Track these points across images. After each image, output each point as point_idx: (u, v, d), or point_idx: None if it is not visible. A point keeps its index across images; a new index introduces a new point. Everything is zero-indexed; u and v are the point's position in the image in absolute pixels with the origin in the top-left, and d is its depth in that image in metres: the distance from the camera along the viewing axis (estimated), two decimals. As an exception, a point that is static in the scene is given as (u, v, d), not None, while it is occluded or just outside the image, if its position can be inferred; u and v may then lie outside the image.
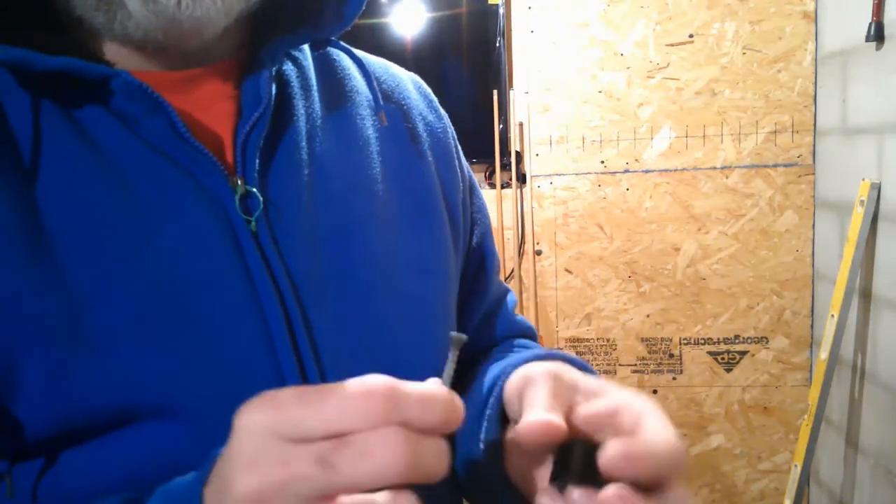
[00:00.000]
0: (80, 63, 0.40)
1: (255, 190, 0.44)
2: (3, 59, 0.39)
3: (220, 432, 0.41)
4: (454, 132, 0.61)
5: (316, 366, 0.44)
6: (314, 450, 0.28)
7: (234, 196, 0.43)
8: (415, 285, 0.50)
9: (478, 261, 0.61)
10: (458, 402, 0.30)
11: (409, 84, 0.59)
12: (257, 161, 0.45)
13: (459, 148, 0.62)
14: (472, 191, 0.61)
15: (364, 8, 0.49)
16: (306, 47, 0.53)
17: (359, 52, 0.57)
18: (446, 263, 0.54)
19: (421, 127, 0.57)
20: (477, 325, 0.60)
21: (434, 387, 0.30)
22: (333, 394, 0.28)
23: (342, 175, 0.50)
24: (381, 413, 0.28)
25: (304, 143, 0.49)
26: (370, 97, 0.54)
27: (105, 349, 0.39)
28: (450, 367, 0.32)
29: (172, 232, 0.42)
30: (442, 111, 0.61)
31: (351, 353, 0.46)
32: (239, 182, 0.44)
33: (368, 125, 0.53)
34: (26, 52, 0.39)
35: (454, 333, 0.33)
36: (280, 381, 0.42)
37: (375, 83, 0.54)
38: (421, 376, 0.48)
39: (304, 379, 0.43)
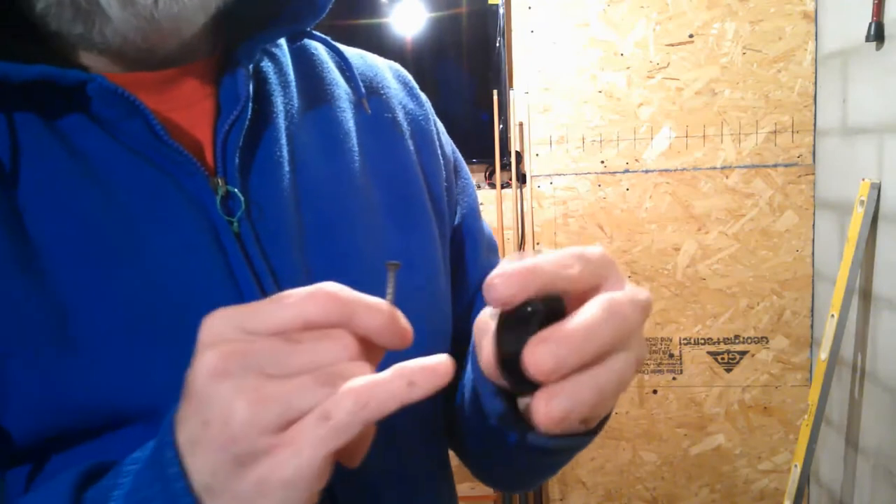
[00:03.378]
0: (55, 70, 0.39)
1: (236, 190, 0.44)
2: None
3: None
4: (435, 116, 0.60)
5: None
6: (271, 333, 0.29)
7: (215, 197, 0.43)
8: (402, 280, 0.50)
9: (458, 243, 0.59)
10: (401, 317, 0.31)
11: (388, 72, 0.59)
12: (237, 160, 0.45)
13: (442, 130, 0.61)
14: (456, 171, 0.60)
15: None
16: (283, 42, 0.53)
17: (335, 43, 0.56)
18: (433, 256, 0.53)
19: (401, 116, 0.56)
20: (461, 313, 0.59)
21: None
22: (290, 294, 0.30)
23: (324, 171, 0.49)
24: (333, 305, 0.30)
25: (284, 141, 0.48)
26: (349, 89, 0.54)
27: (92, 354, 0.39)
28: (389, 293, 0.34)
29: (156, 236, 0.42)
30: (422, 97, 0.60)
31: None
32: (220, 182, 0.44)
33: (349, 118, 0.53)
34: (1, 63, 0.39)
35: (389, 261, 0.35)
36: None
37: (356, 73, 0.54)
38: None
39: None
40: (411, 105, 0.58)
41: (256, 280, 0.43)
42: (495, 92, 1.94)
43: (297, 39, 0.52)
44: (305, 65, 0.54)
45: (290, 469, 0.27)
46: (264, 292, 0.43)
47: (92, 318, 0.39)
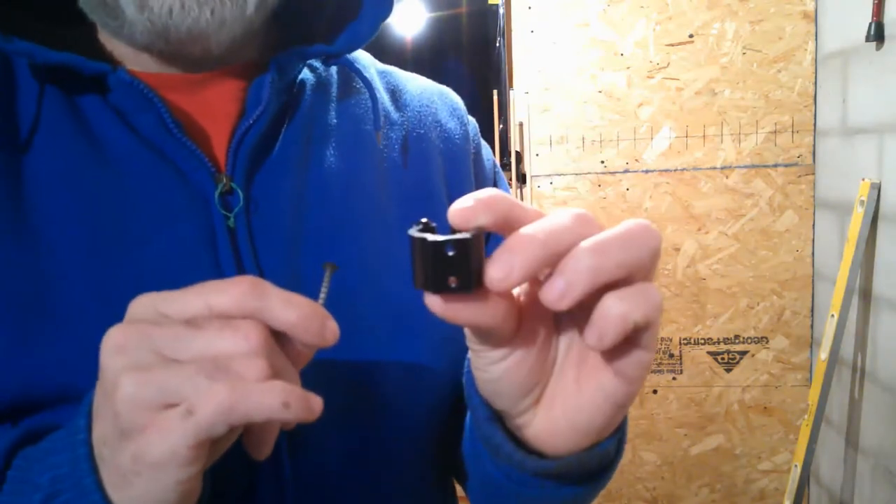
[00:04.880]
0: (78, 59, 0.42)
1: (234, 185, 0.45)
2: (9, 50, 0.41)
3: None
4: (478, 139, 0.61)
5: None
6: (182, 318, 0.30)
7: (215, 191, 0.44)
8: (403, 290, 0.49)
9: None
10: (324, 315, 0.31)
11: (435, 95, 0.60)
12: (247, 160, 0.46)
13: (483, 153, 0.61)
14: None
15: (377, 32, 0.51)
16: None
17: (377, 68, 0.57)
18: None
19: (434, 134, 0.57)
20: None
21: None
22: (210, 283, 0.31)
23: (340, 182, 0.50)
24: (245, 296, 0.30)
25: (303, 149, 0.49)
26: (384, 112, 0.55)
27: (68, 330, 0.40)
28: (322, 292, 0.34)
29: (154, 224, 0.43)
30: (468, 119, 0.61)
31: (327, 353, 0.46)
32: (224, 179, 0.45)
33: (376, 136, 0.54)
34: (31, 45, 0.41)
35: (326, 262, 0.35)
36: None
37: (381, 99, 0.55)
38: (402, 380, 0.48)
39: None
40: (451, 124, 0.59)
41: (241, 274, 0.44)
42: (495, 92, 1.94)
43: (331, 62, 0.53)
44: (348, 84, 0.55)
45: (158, 451, 0.29)
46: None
47: (75, 294, 0.41)
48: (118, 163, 0.44)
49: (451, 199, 0.55)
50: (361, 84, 0.55)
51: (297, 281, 0.46)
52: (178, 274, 0.42)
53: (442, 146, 0.57)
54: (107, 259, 0.42)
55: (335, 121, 0.52)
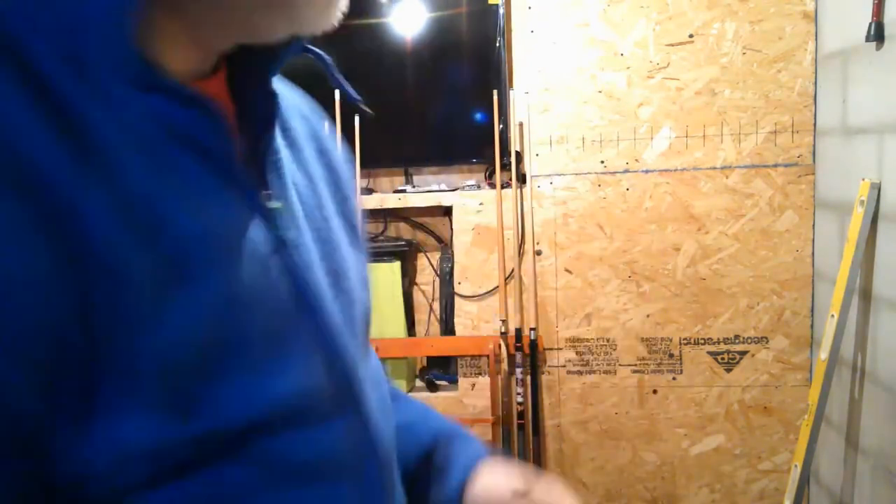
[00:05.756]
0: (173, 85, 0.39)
1: (278, 204, 0.45)
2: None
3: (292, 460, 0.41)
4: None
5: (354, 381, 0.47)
6: None
7: (274, 212, 0.44)
8: (363, 296, 0.54)
9: None
10: None
11: (299, 99, 0.58)
12: (264, 167, 0.46)
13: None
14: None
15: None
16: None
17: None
18: (367, 276, 0.58)
19: (335, 156, 0.58)
20: None
21: None
22: None
23: (308, 194, 0.50)
24: None
25: (287, 152, 0.49)
26: (305, 125, 0.55)
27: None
28: None
29: (237, 250, 0.40)
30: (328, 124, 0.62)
31: (356, 362, 0.48)
32: (265, 195, 0.44)
33: (309, 148, 0.54)
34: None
35: None
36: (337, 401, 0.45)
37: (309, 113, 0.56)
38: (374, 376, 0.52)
39: (350, 387, 0.46)
40: (325, 132, 0.59)
41: (311, 292, 0.44)
42: (495, 92, 1.94)
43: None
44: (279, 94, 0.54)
45: None
46: (308, 304, 0.44)
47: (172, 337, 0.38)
48: (200, 197, 0.39)
49: (357, 219, 0.57)
50: (283, 96, 0.53)
51: (326, 289, 0.47)
52: (275, 299, 0.42)
53: (322, 147, 0.57)
54: (201, 293, 0.38)
55: (293, 122, 0.52)
